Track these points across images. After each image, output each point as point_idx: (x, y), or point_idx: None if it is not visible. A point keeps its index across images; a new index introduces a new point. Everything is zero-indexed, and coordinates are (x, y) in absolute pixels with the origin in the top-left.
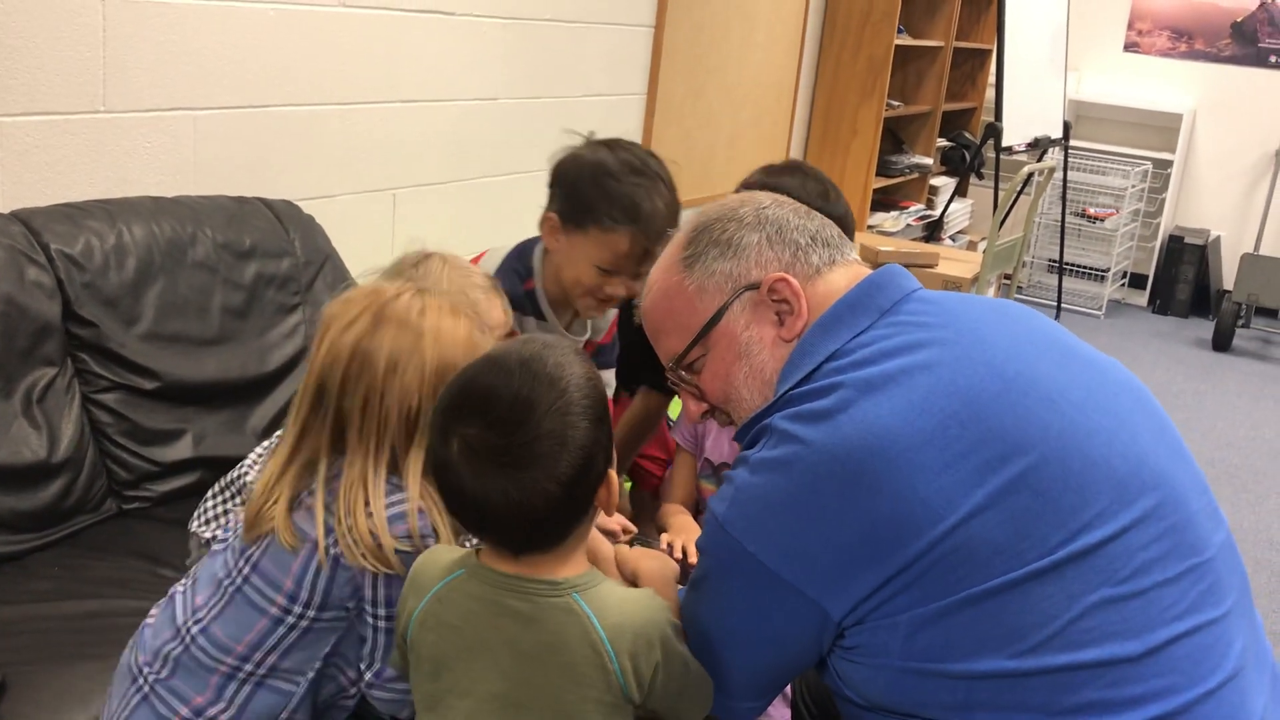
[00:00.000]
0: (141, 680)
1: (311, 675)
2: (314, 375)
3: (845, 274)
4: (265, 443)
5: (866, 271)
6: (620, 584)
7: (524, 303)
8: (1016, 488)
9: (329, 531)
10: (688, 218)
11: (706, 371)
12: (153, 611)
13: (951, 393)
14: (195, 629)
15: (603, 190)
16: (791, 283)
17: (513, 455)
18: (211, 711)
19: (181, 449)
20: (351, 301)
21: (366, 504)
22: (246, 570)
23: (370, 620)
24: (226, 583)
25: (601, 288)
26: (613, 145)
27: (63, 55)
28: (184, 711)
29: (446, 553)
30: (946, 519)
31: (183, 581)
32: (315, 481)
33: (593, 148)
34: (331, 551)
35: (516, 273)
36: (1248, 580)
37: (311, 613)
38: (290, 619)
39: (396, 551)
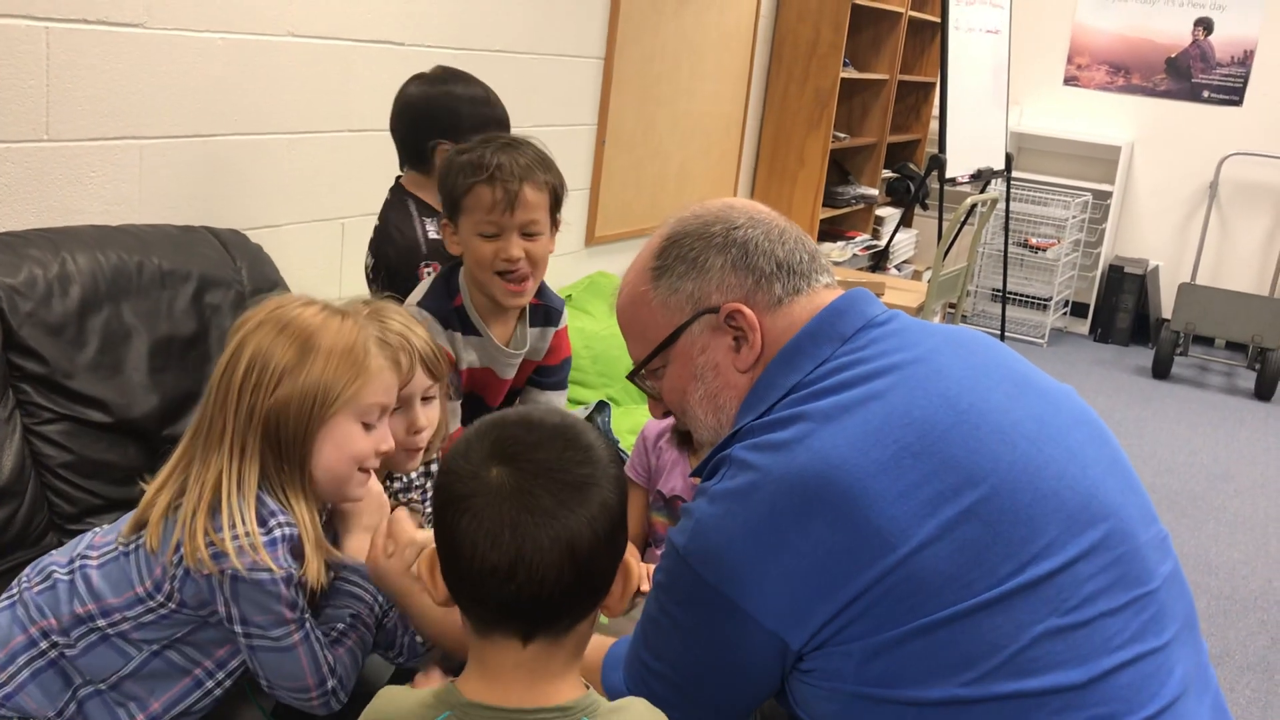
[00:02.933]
0: (15, 588)
1: (156, 648)
2: (214, 374)
3: (808, 304)
4: None
5: (833, 297)
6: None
7: (453, 319)
8: (967, 519)
9: (179, 546)
10: (663, 222)
11: (665, 382)
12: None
13: (906, 424)
14: (82, 564)
15: (456, 165)
16: (748, 314)
17: (569, 474)
18: (57, 639)
19: (125, 480)
20: (251, 310)
21: (217, 526)
22: (137, 543)
23: (237, 636)
24: (122, 542)
25: (497, 256)
26: (473, 140)
27: (4, 83)
28: (35, 629)
29: (405, 695)
30: (899, 549)
31: (105, 525)
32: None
33: (456, 148)
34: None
35: (444, 292)
36: (1194, 609)
37: (171, 604)
38: (152, 603)
39: (242, 581)
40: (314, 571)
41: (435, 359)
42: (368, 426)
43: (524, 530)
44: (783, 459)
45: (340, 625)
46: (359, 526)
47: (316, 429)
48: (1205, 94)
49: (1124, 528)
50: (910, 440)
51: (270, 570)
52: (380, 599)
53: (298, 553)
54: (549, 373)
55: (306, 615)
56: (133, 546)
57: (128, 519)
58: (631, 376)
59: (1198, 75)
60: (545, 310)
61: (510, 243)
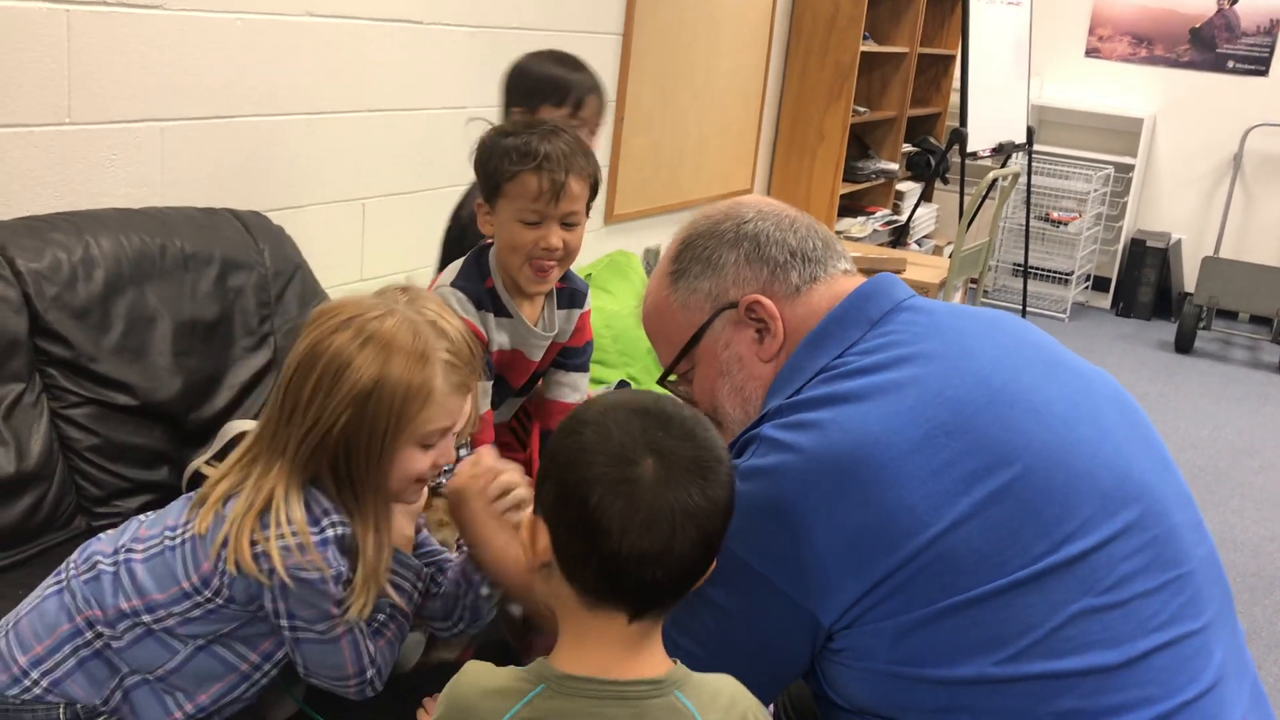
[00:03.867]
0: (63, 574)
1: (202, 643)
2: (280, 379)
3: (828, 291)
4: None
5: (854, 284)
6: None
7: (486, 300)
8: (1001, 497)
9: (225, 542)
10: (683, 222)
11: (695, 384)
12: (109, 531)
13: (939, 403)
14: (126, 557)
15: (501, 148)
16: (766, 304)
17: (702, 466)
18: (102, 630)
19: (151, 463)
20: (328, 307)
21: (264, 523)
22: (184, 535)
23: (281, 629)
24: (168, 535)
25: (536, 244)
26: (514, 121)
27: (27, 67)
28: (80, 619)
29: (492, 672)
30: (932, 527)
31: (148, 514)
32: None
33: (497, 128)
34: (226, 555)
35: (476, 273)
36: (1230, 592)
37: (219, 600)
38: (199, 599)
39: (292, 578)
40: (357, 607)
41: (470, 352)
42: (428, 447)
43: (678, 520)
44: (815, 436)
45: (381, 616)
46: (399, 510)
47: (386, 460)
48: (1230, 64)
49: (1159, 508)
50: (944, 418)
51: (320, 570)
52: (420, 585)
53: (348, 550)
54: (573, 354)
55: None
56: (179, 540)
57: (175, 508)
58: (661, 381)
59: (1222, 45)
60: (570, 292)
61: (551, 231)
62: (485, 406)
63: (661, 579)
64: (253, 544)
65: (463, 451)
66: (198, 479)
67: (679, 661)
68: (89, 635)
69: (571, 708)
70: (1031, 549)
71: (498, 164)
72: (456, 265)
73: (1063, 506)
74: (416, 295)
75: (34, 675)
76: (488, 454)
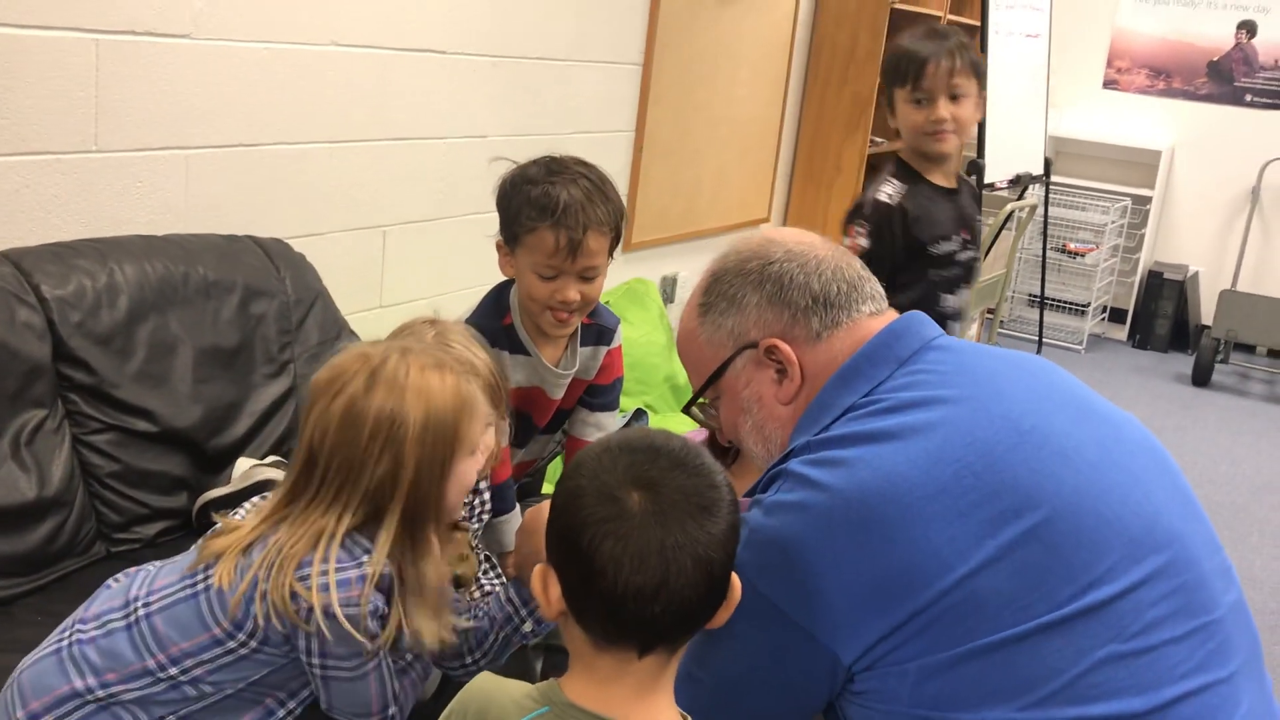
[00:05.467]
0: (66, 634)
1: (230, 691)
2: (304, 443)
3: (849, 337)
4: None
5: (881, 324)
6: None
7: (502, 338)
8: (1027, 541)
9: (255, 583)
10: (717, 251)
11: (721, 415)
12: (118, 577)
13: (968, 444)
14: (143, 611)
15: (522, 196)
16: (784, 349)
17: (694, 495)
18: (116, 689)
19: (171, 490)
20: (341, 368)
21: (305, 564)
22: (206, 581)
23: (309, 666)
24: (188, 581)
25: (552, 295)
26: (542, 159)
27: (55, 94)
28: (80, 683)
29: (501, 684)
30: (957, 569)
31: (148, 565)
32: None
33: (523, 166)
34: (262, 596)
35: (494, 310)
36: (1259, 640)
37: (254, 643)
38: (232, 644)
39: (329, 615)
40: (430, 633)
41: (497, 386)
42: (473, 452)
43: (670, 554)
44: (843, 475)
45: (408, 656)
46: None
47: (447, 483)
48: (1248, 98)
49: (1187, 555)
50: (972, 460)
51: (358, 605)
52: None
53: (387, 588)
54: (599, 393)
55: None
56: (202, 586)
57: (191, 555)
58: (687, 409)
59: (1240, 79)
60: (598, 329)
61: (568, 285)
62: (503, 443)
63: (661, 614)
64: (293, 586)
65: (482, 484)
66: (205, 513)
67: (688, 718)
68: (99, 694)
69: None
70: (1058, 594)
71: (517, 213)
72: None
73: (1090, 551)
74: (445, 329)
75: None
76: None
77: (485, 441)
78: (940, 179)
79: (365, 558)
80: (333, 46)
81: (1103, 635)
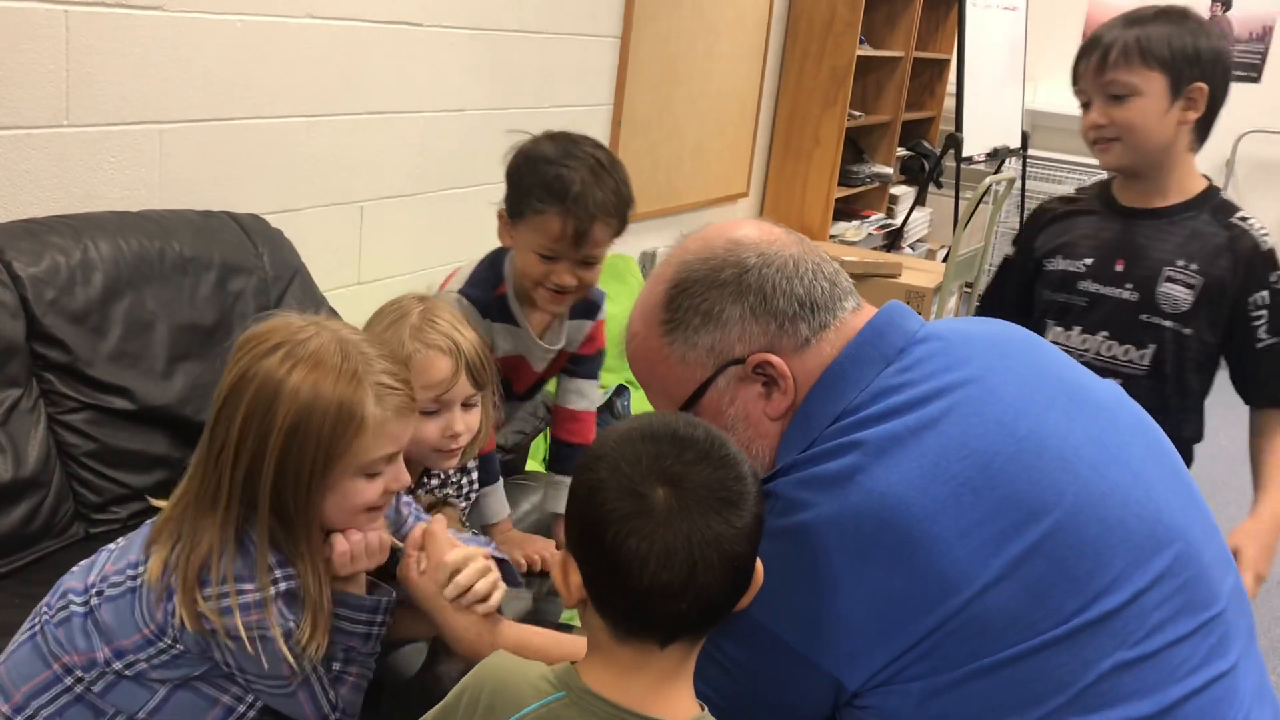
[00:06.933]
0: (37, 619)
1: (177, 683)
2: (213, 405)
3: (837, 338)
4: None
5: (862, 320)
6: None
7: (494, 308)
8: (1032, 556)
9: (169, 590)
10: (665, 258)
11: None
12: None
13: (964, 456)
14: (96, 601)
15: (535, 174)
16: (776, 364)
17: (720, 489)
18: (81, 674)
19: (150, 469)
20: (271, 330)
21: (205, 576)
22: (143, 576)
23: (238, 680)
24: (130, 574)
25: (548, 276)
26: (559, 135)
27: (25, 68)
28: (57, 666)
29: (519, 665)
30: (963, 592)
31: (118, 541)
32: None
33: (539, 140)
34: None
35: (488, 279)
36: (1253, 621)
37: (180, 646)
38: (161, 644)
39: (235, 639)
40: (312, 646)
41: (482, 366)
42: (372, 476)
43: (697, 551)
44: (836, 497)
45: (336, 665)
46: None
47: (317, 493)
48: None
49: (1190, 550)
50: (970, 475)
51: (265, 628)
52: (380, 620)
53: (297, 600)
54: (582, 361)
55: (306, 660)
56: (140, 581)
57: (138, 540)
58: None
59: None
60: (584, 304)
61: (566, 269)
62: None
63: (689, 610)
64: (196, 606)
65: (471, 464)
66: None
67: (706, 709)
68: (69, 681)
69: None
70: (1064, 608)
71: (527, 191)
72: (467, 273)
73: (1095, 561)
74: (432, 305)
75: None
76: (437, 538)
77: (393, 472)
78: None
79: (271, 575)
80: (308, 19)
81: (1109, 645)
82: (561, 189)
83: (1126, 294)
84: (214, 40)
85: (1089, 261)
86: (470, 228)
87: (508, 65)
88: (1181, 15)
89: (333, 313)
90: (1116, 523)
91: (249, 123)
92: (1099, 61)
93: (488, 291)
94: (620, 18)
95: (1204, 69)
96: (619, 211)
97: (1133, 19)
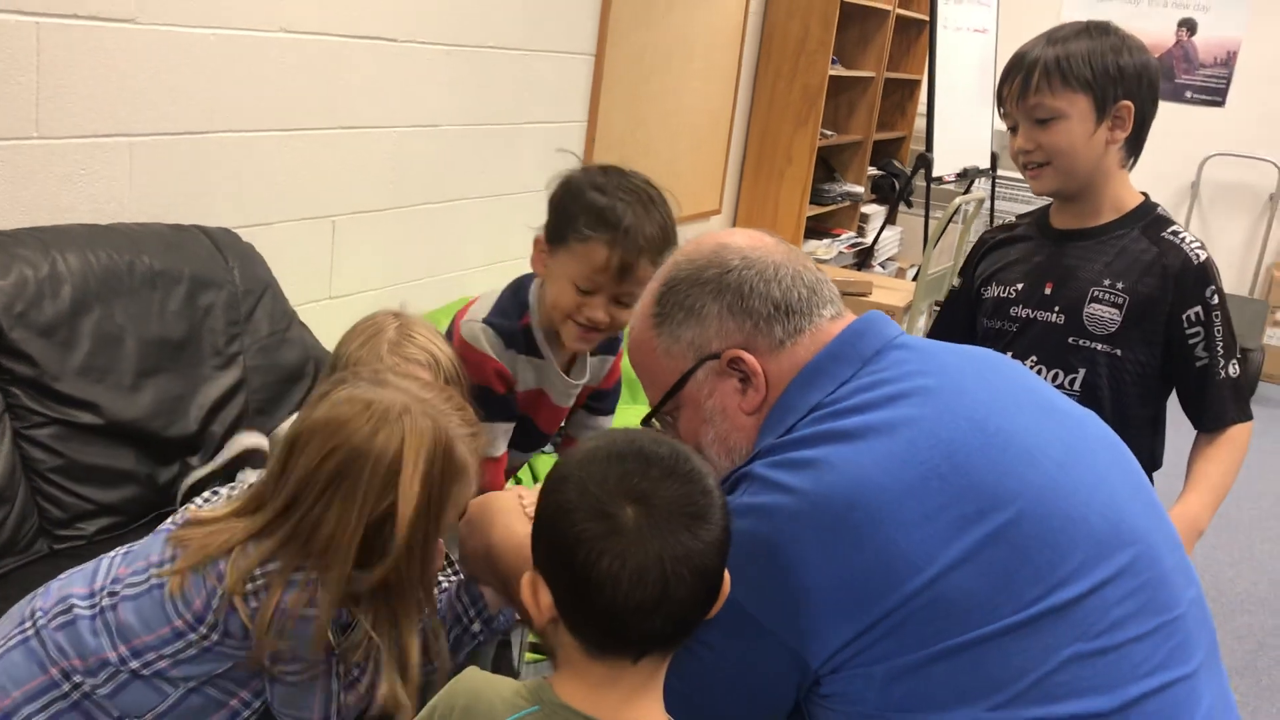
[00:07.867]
0: (29, 623)
1: (194, 685)
2: (294, 480)
3: (812, 343)
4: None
5: (841, 327)
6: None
7: (519, 340)
8: (994, 542)
9: (219, 581)
10: (665, 261)
11: (681, 426)
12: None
13: (933, 445)
14: (108, 601)
15: (584, 201)
16: (749, 360)
17: (688, 504)
18: (81, 679)
19: (118, 485)
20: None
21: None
22: (174, 572)
23: (265, 665)
24: (154, 571)
25: (580, 310)
26: (610, 168)
27: None
28: (55, 671)
29: (490, 680)
30: (924, 572)
31: (122, 548)
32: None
33: (589, 168)
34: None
35: (513, 309)
36: (1215, 635)
37: (215, 636)
38: (193, 636)
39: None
40: (391, 697)
41: (458, 380)
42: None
43: (669, 567)
44: (809, 478)
45: (355, 672)
46: None
47: (432, 546)
48: (1188, 94)
49: (1150, 553)
50: (937, 462)
51: (311, 610)
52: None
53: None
54: (602, 397)
55: (335, 657)
56: (168, 578)
57: (156, 544)
58: (646, 421)
59: (1180, 75)
60: (610, 339)
61: (600, 304)
62: (501, 448)
63: (662, 626)
64: (244, 582)
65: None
66: (192, 495)
67: None
68: (65, 687)
69: None
70: (1025, 594)
71: (573, 217)
72: (490, 302)
73: (1056, 551)
74: (408, 322)
75: None
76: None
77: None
78: None
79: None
80: (282, 33)
81: (1068, 635)
82: (614, 219)
83: (1054, 317)
84: (186, 53)
85: (1019, 286)
86: (443, 242)
87: (482, 81)
88: (1103, 31)
89: (304, 327)
90: (1079, 518)
91: (221, 136)
92: (1021, 85)
93: (513, 321)
94: (595, 35)
95: (1128, 86)
96: (664, 249)
97: (1054, 37)
